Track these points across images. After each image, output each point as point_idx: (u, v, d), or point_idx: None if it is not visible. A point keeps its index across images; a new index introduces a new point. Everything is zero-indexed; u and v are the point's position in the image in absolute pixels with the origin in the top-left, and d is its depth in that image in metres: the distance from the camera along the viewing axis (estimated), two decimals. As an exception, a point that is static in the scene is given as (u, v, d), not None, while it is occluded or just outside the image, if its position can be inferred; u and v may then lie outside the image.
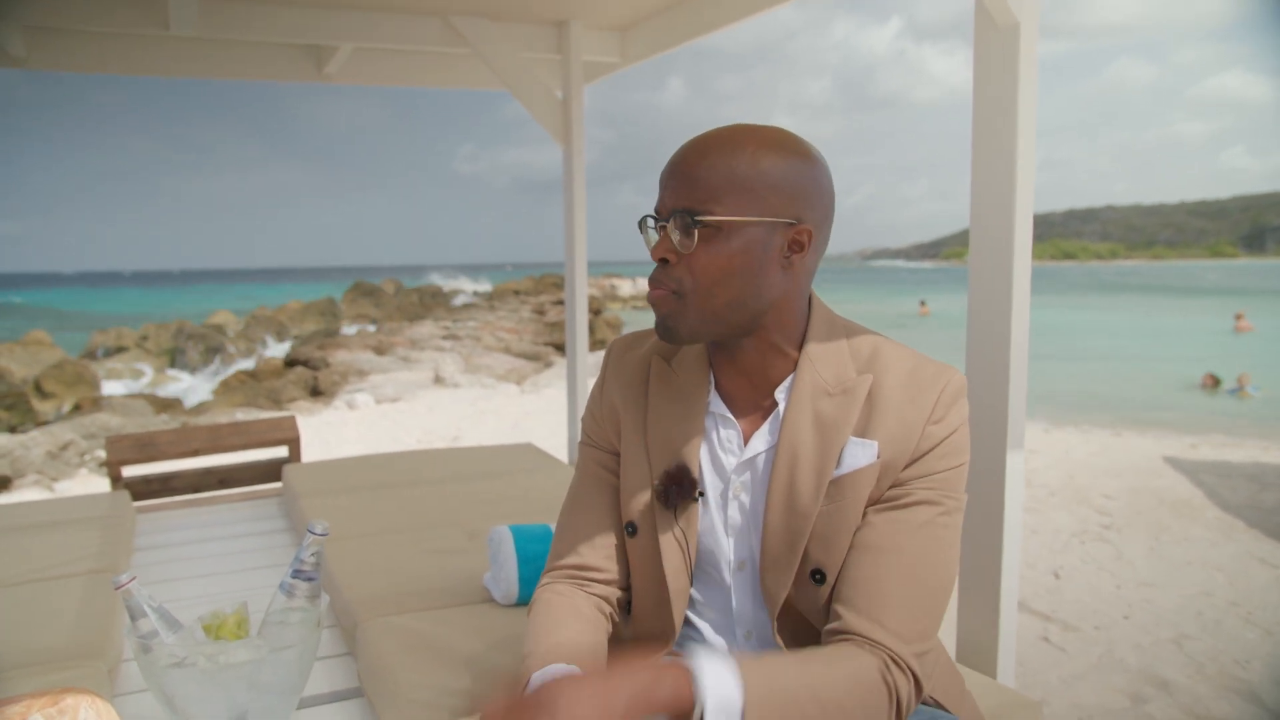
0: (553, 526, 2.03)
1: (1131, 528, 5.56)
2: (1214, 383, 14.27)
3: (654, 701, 0.94)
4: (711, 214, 1.12)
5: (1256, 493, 6.45)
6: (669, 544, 1.24)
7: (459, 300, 31.93)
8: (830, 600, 1.18)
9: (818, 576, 1.18)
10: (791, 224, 1.15)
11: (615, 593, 1.31)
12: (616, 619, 1.33)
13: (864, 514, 1.17)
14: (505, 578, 2.05)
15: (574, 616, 1.24)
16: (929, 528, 1.15)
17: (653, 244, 1.17)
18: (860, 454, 1.16)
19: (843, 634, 1.12)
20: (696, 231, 1.13)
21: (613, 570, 1.30)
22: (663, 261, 1.16)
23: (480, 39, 3.70)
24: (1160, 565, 4.82)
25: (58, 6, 3.14)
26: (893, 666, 1.08)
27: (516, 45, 3.83)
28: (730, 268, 1.13)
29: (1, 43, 3.46)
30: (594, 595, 1.30)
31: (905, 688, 1.09)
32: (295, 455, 3.91)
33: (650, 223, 1.19)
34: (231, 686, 1.36)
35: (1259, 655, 3.62)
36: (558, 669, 1.11)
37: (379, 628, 1.91)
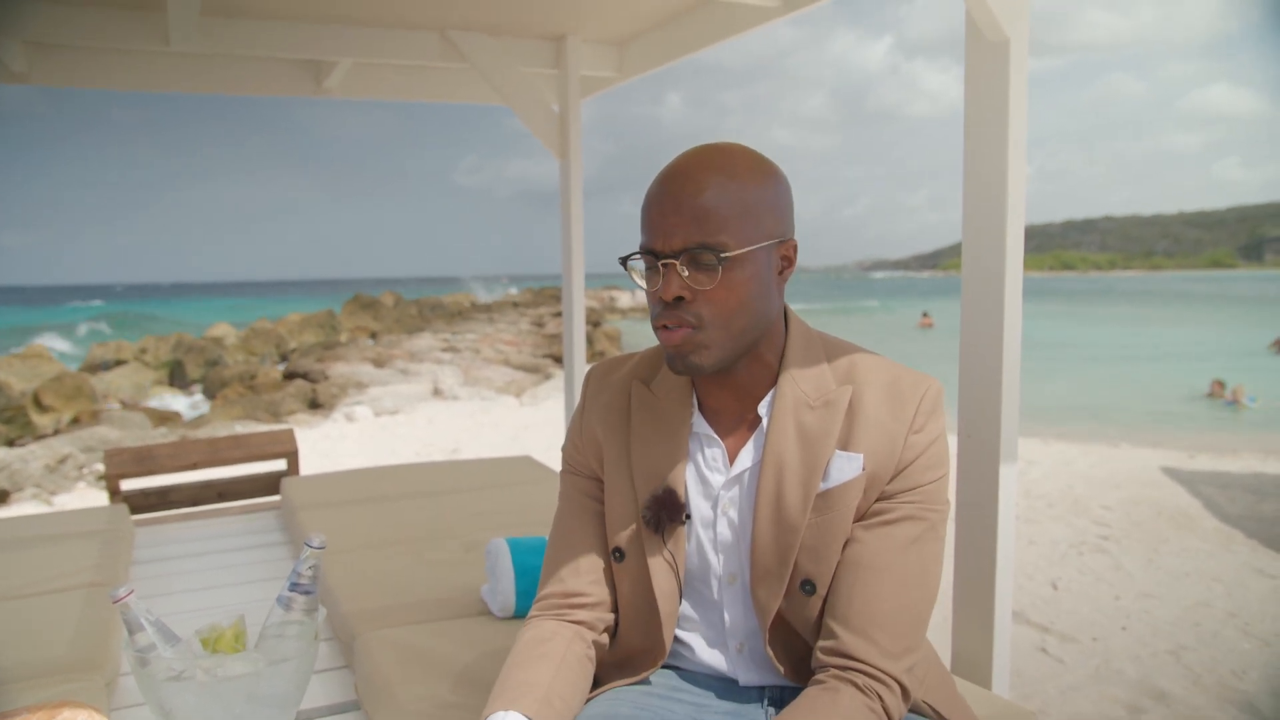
0: (549, 539, 2.04)
1: (1130, 539, 5.57)
2: (1221, 390, 14.25)
3: None
4: (726, 247, 1.11)
5: (1255, 503, 6.45)
6: (659, 567, 1.24)
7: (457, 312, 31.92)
8: (821, 612, 1.20)
9: (808, 587, 1.19)
10: (782, 241, 1.17)
11: (604, 617, 1.31)
12: (605, 644, 1.32)
13: (852, 528, 1.18)
14: (502, 590, 2.06)
15: (546, 657, 1.21)
16: (917, 544, 1.17)
17: (655, 283, 1.15)
18: (847, 467, 1.18)
19: (836, 654, 1.15)
20: (721, 268, 1.12)
21: (598, 595, 1.30)
22: (675, 300, 1.14)
23: (478, 54, 3.72)
24: (1158, 576, 4.82)
25: (59, 22, 3.16)
26: (881, 688, 1.12)
27: (514, 60, 3.85)
28: (747, 295, 1.14)
29: (3, 58, 3.48)
30: (578, 624, 1.28)
31: (895, 704, 1.12)
32: (293, 468, 3.92)
33: (642, 262, 1.16)
34: (229, 700, 1.36)
35: (1256, 666, 3.62)
36: (499, 717, 1.11)
37: (376, 640, 1.92)
